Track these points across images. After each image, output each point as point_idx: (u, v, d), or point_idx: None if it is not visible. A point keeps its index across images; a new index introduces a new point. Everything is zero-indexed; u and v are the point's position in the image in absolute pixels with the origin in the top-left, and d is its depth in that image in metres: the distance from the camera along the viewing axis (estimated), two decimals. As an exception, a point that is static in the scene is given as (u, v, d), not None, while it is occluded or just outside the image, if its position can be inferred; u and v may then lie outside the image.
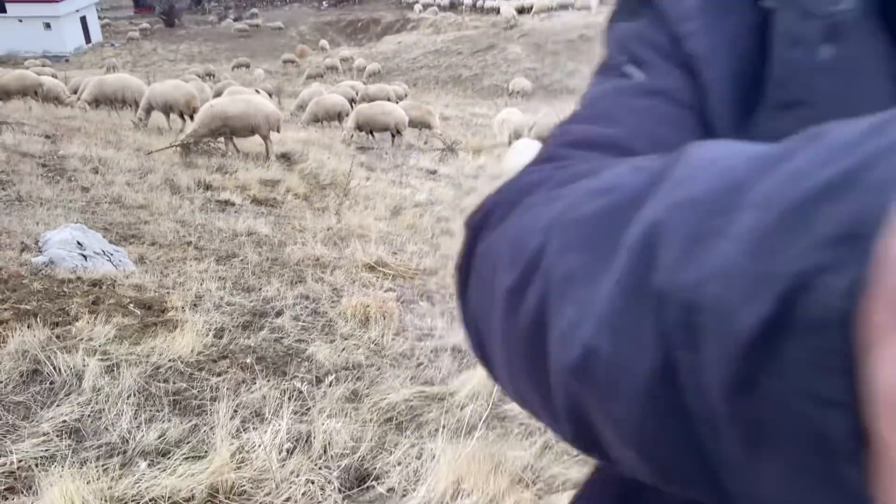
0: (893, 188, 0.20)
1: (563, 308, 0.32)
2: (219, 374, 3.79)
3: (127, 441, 3.09)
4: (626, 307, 0.28)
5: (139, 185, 8.19)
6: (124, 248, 5.93)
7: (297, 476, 2.94)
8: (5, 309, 4.22)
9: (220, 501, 2.70)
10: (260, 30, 53.75)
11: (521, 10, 41.79)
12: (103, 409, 3.29)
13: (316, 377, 3.88)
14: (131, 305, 4.63)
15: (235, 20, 58.17)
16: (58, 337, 3.92)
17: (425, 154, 13.74)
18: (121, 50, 47.89)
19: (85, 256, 5.32)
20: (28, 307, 4.28)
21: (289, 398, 3.57)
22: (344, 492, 2.89)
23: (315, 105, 16.38)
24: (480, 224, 0.48)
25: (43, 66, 30.38)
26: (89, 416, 3.24)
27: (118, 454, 2.97)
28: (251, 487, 2.79)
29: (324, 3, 65.00)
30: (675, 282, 0.26)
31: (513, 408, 3.76)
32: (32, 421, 3.14)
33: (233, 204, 8.03)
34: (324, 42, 47.28)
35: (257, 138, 10.62)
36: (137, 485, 2.69)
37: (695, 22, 0.49)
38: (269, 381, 3.75)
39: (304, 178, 9.80)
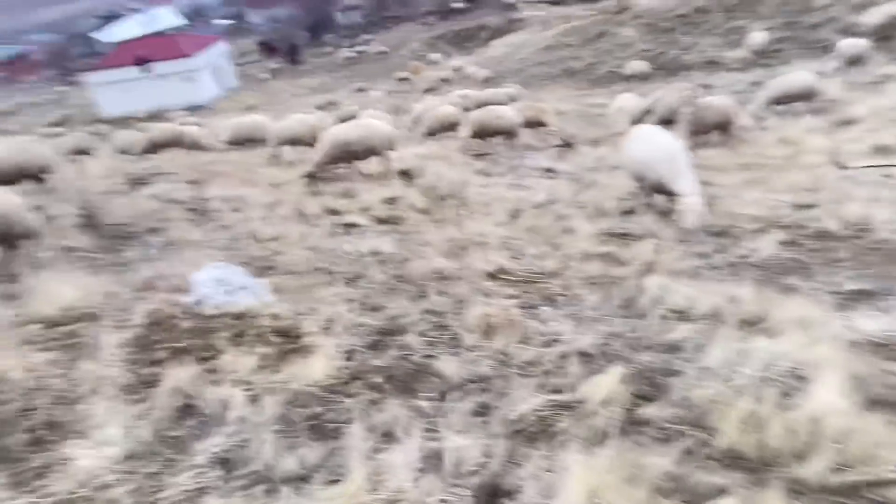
0: None
1: None
2: (351, 396, 3.92)
3: (271, 468, 3.26)
4: None
5: (272, 217, 8.69)
6: (263, 280, 6.30)
7: (431, 496, 2.97)
8: (161, 349, 4.60)
9: (357, 524, 2.77)
10: (368, 55, 55.54)
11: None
12: (249, 439, 3.50)
13: (443, 392, 3.90)
14: (270, 335, 4.90)
15: (349, 48, 60.58)
16: (207, 371, 4.22)
17: (542, 153, 13.57)
18: (254, 92, 51.33)
19: (228, 292, 5.71)
20: (180, 345, 4.65)
21: (418, 416, 3.63)
22: (477, 509, 2.88)
23: (429, 118, 16.66)
24: None
25: (187, 117, 33.12)
26: (237, 445, 3.45)
27: (263, 482, 3.13)
28: (387, 509, 2.85)
29: (430, 18, 66.12)
30: None
31: (649, 411, 3.60)
32: (188, 454, 3.39)
33: (358, 226, 8.31)
34: (435, 55, 48.11)
35: (378, 159, 10.95)
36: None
37: None
38: (398, 399, 3.83)
39: (424, 193, 9.97)
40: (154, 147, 15.21)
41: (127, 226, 8.18)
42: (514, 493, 3.00)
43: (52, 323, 5.16)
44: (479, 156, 13.87)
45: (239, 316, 5.22)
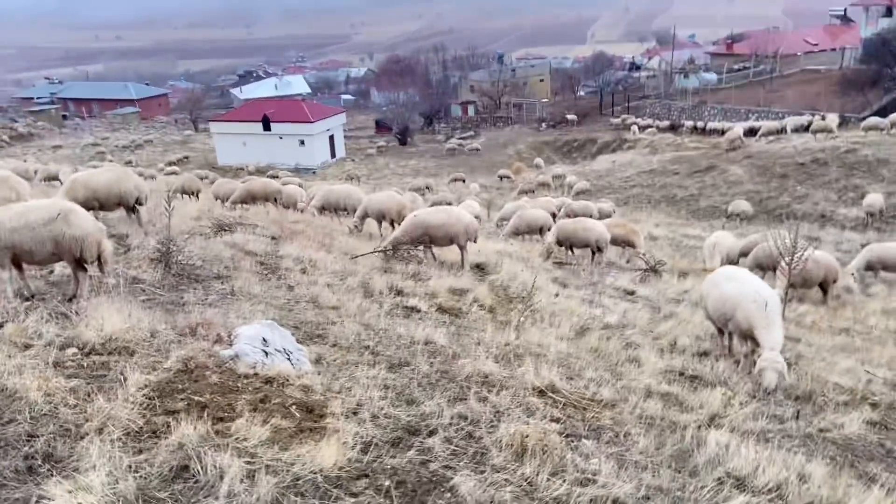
0: None
1: None
2: (353, 495, 3.58)
3: (242, 558, 2.94)
4: None
5: (338, 286, 8.62)
6: (307, 348, 6.13)
7: None
8: (181, 399, 4.44)
9: None
10: (473, 148, 57.02)
11: (747, 133, 40.01)
12: (233, 518, 3.21)
13: (453, 514, 3.50)
14: (294, 407, 4.65)
15: (462, 139, 62.59)
16: (217, 433, 4.00)
17: (625, 273, 13.13)
18: (359, 164, 53.51)
19: (266, 353, 5.55)
20: (201, 399, 4.47)
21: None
22: None
23: (518, 218, 16.61)
24: None
25: (292, 176, 34.66)
26: (217, 522, 3.16)
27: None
28: None
29: (543, 124, 67.74)
30: None
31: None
32: (164, 520, 3.12)
33: (419, 310, 8.10)
34: (539, 160, 48.83)
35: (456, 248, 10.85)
36: None
37: None
38: (402, 511, 3.46)
39: (494, 290, 9.72)
40: (250, 198, 15.78)
41: (197, 268, 8.29)
42: None
43: (88, 350, 5.13)
44: (560, 264, 13.58)
45: (269, 380, 5.03)
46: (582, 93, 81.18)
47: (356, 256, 10.25)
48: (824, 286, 11.51)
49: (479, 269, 11.07)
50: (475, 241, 10.99)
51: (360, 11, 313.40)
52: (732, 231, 19.14)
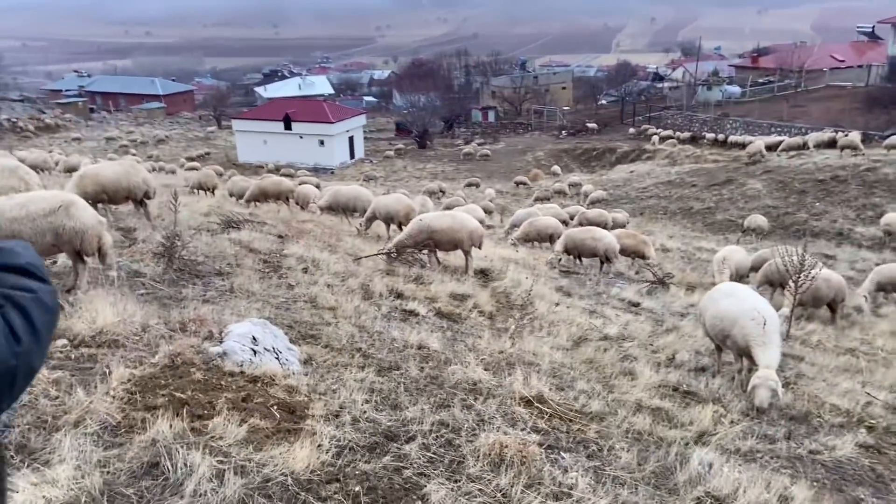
0: None
1: None
2: (322, 500, 3.56)
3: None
4: None
5: (338, 287, 8.62)
6: (298, 348, 6.13)
7: None
8: (162, 395, 4.45)
9: None
10: (491, 154, 56.99)
11: (769, 148, 39.60)
12: (196, 517, 3.20)
13: (421, 523, 3.47)
14: (275, 408, 4.65)
15: (480, 145, 62.61)
16: (192, 430, 4.00)
17: (632, 285, 13.00)
18: (377, 165, 53.71)
19: (255, 351, 5.56)
20: (182, 396, 4.48)
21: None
22: None
23: (528, 225, 16.55)
24: None
25: (309, 176, 34.83)
26: (179, 521, 3.15)
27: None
28: None
29: (563, 132, 67.54)
30: None
31: None
32: (125, 516, 3.12)
33: (416, 314, 8.08)
34: (556, 167, 48.70)
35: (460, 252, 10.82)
36: None
37: None
38: (369, 517, 3.43)
39: (495, 297, 9.67)
40: (263, 196, 15.86)
41: (199, 264, 8.33)
42: None
43: (78, 342, 5.17)
44: (567, 273, 13.50)
45: (254, 379, 5.03)
46: (604, 101, 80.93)
47: (359, 258, 10.26)
48: (833, 305, 11.33)
49: (483, 274, 11.03)
50: (480, 247, 10.96)
51: (386, 14, 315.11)
52: (747, 246, 18.92)
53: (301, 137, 52.94)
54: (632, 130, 59.73)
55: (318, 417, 4.56)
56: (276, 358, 5.63)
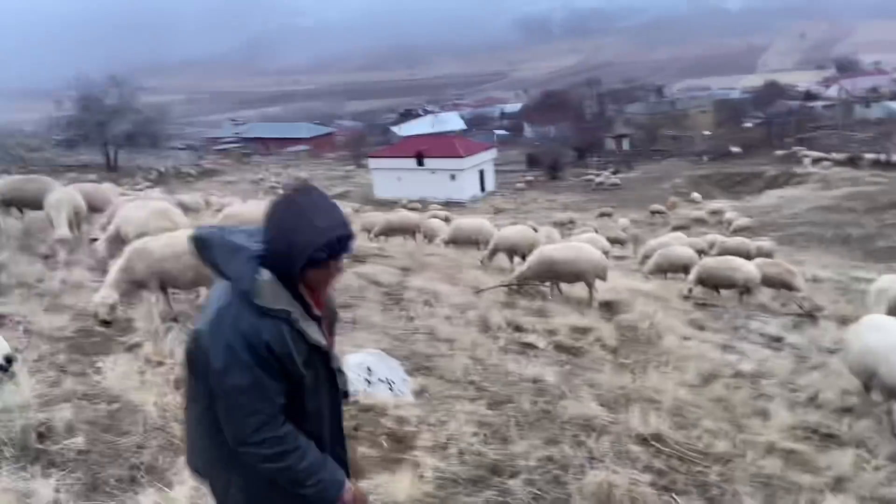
0: None
1: None
2: (420, 532, 3.56)
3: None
4: None
5: (457, 319, 8.70)
6: (413, 379, 6.23)
7: None
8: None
9: None
10: (626, 182, 55.57)
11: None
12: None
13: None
14: (383, 437, 4.75)
15: (613, 174, 61.37)
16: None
17: (776, 318, 12.08)
18: (508, 198, 54.06)
19: (369, 382, 5.71)
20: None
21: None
22: None
23: (660, 256, 15.91)
24: None
25: (439, 210, 35.63)
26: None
27: None
28: None
29: (703, 157, 64.73)
30: None
31: None
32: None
33: (534, 347, 7.97)
34: (695, 194, 46.58)
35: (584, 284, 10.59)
36: None
37: None
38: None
39: (620, 330, 9.34)
40: (390, 231, 16.41)
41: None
42: None
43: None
44: (702, 305, 12.80)
45: (366, 409, 5.17)
46: (749, 124, 76.71)
47: (480, 291, 10.30)
48: None
49: (608, 307, 10.70)
50: (604, 279, 10.66)
51: (518, 48, 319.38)
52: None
53: (433, 172, 54.42)
54: (780, 153, 56.13)
55: (425, 448, 4.59)
56: (390, 388, 5.75)
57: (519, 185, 59.12)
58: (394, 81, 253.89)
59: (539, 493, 4.14)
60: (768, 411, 6.37)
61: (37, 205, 10.20)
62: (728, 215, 35.02)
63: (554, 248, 10.80)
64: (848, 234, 31.29)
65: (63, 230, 9.32)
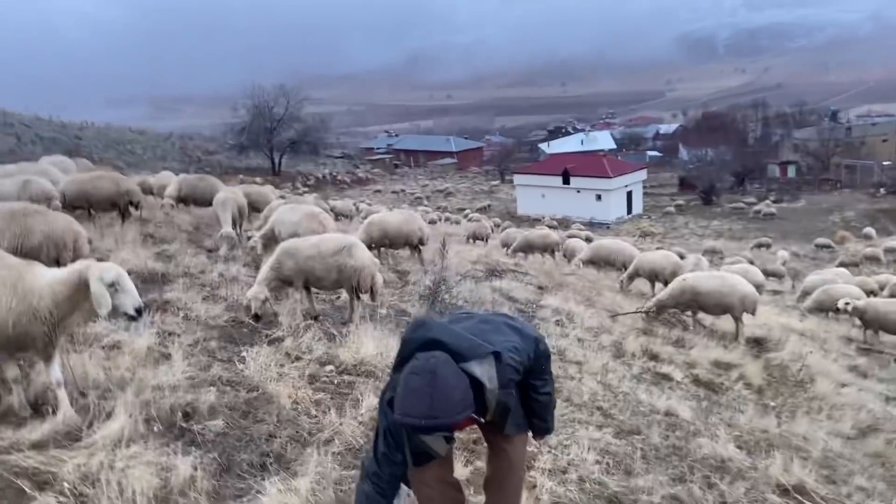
0: None
1: None
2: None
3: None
4: None
5: (589, 342, 8.48)
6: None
7: None
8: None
9: None
10: (788, 212, 51.63)
11: None
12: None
13: None
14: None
15: (774, 202, 57.36)
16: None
17: (958, 371, 10.71)
18: (655, 222, 52.06)
19: (493, 396, 5.69)
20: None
21: None
22: None
23: (822, 293, 14.66)
24: None
25: (581, 230, 35.06)
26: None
27: None
28: None
29: (882, 189, 58.91)
30: None
31: None
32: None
33: (670, 379, 7.60)
34: (869, 229, 42.34)
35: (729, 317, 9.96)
36: None
37: None
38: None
39: (767, 369, 8.69)
40: (529, 248, 16.35)
41: (459, 308, 8.83)
42: None
43: (342, 369, 5.79)
44: (867, 351, 11.62)
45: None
46: (941, 154, 68.87)
47: (616, 315, 9.99)
48: None
49: (757, 343, 10.00)
50: (753, 313, 9.97)
51: (677, 67, 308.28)
52: None
53: (578, 192, 53.63)
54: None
55: (544, 470, 4.50)
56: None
57: (669, 208, 56.78)
58: (544, 97, 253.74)
59: (660, 533, 3.92)
60: (938, 476, 5.64)
61: (206, 202, 11.28)
62: (906, 252, 31.54)
63: (697, 275, 10.25)
64: None
65: (227, 227, 10.19)
